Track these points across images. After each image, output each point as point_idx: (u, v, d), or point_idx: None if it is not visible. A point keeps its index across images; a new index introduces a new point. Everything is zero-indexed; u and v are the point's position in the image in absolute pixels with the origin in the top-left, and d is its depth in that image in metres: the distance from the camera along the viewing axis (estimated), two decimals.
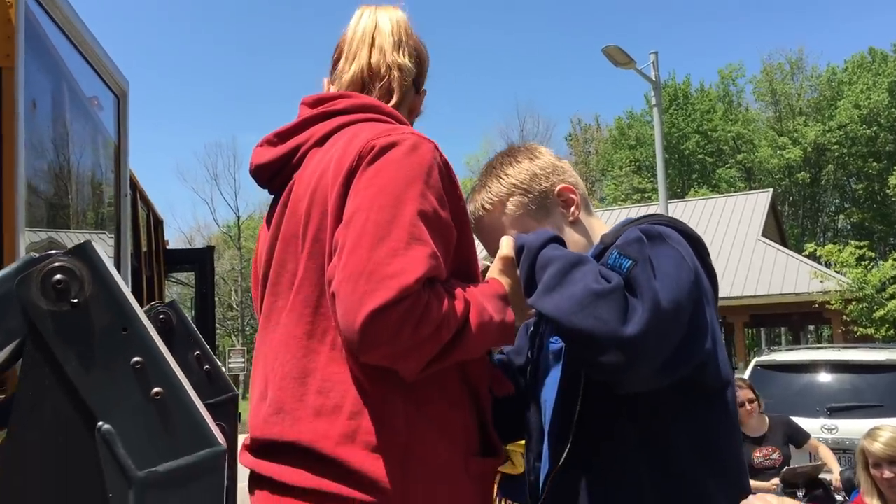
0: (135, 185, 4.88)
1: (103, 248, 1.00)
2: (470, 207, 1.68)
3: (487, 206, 1.68)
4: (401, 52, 1.61)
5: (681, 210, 24.63)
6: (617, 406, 1.46)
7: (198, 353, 1.58)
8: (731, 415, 1.56)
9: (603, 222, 1.75)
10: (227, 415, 1.56)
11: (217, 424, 1.04)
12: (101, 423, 0.95)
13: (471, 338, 1.35)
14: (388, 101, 1.59)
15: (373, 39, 1.61)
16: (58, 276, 0.94)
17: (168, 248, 6.92)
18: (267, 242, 1.56)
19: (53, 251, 0.97)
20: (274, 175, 1.58)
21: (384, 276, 1.24)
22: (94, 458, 0.94)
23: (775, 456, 5.15)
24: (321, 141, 1.52)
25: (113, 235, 3.72)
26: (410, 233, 1.30)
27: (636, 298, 1.32)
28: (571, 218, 1.67)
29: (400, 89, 1.60)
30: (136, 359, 0.96)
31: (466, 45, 72.53)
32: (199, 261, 7.09)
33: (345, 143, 1.45)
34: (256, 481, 1.43)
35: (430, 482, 1.36)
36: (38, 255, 0.99)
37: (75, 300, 0.94)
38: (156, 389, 0.96)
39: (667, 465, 1.45)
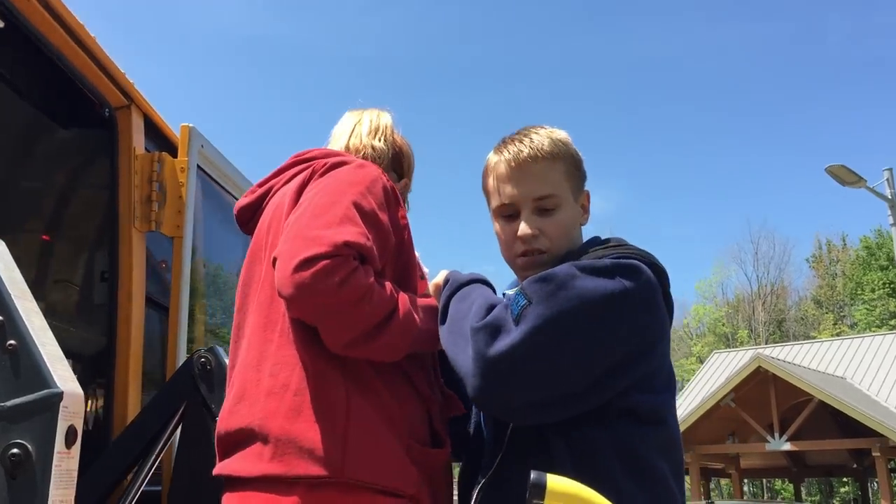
0: None
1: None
2: (520, 146, 1.67)
3: (551, 151, 1.66)
4: (376, 138, 1.88)
5: None
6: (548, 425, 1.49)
7: None
8: (665, 441, 1.53)
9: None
10: None
11: None
12: None
13: (397, 326, 1.48)
14: None
15: (353, 129, 1.89)
16: None
17: None
18: (241, 278, 1.79)
19: None
20: (251, 217, 1.84)
21: (317, 236, 1.42)
22: None
23: None
24: (289, 180, 1.76)
25: None
26: (345, 214, 1.49)
27: (514, 328, 1.40)
28: (582, 221, 1.75)
29: (374, 164, 1.83)
30: None
31: (693, 166, 71.56)
32: None
33: (305, 172, 1.69)
34: (223, 485, 1.55)
35: (370, 460, 1.44)
36: None
37: None
38: (10, 342, 1.20)
39: (594, 473, 1.44)
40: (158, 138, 3.09)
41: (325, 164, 1.65)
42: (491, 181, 1.72)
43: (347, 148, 1.84)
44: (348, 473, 1.42)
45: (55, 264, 3.91)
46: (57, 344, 1.26)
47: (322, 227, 1.44)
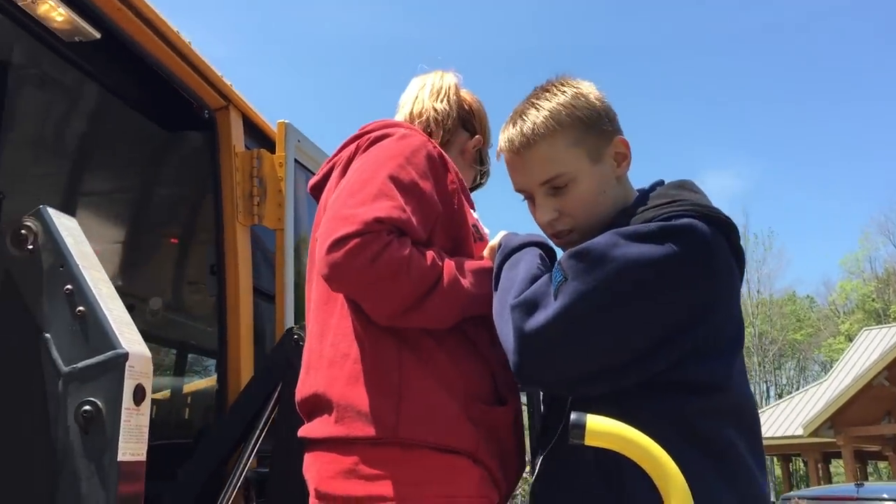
0: None
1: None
2: (513, 132, 1.58)
3: (544, 131, 1.53)
4: (438, 100, 1.89)
5: None
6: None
7: None
8: (729, 407, 1.44)
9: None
10: None
11: None
12: (44, 333, 1.31)
13: (441, 295, 1.50)
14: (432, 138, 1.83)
15: (416, 95, 1.92)
16: (21, 231, 1.35)
17: None
18: (309, 254, 1.86)
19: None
20: (320, 195, 1.91)
21: (349, 215, 1.46)
22: (40, 360, 1.30)
23: None
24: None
25: None
26: (380, 189, 1.51)
27: (551, 304, 1.36)
28: (619, 172, 1.59)
29: (437, 125, 1.87)
30: (67, 287, 1.31)
31: (833, 135, 67.26)
32: None
33: (351, 147, 1.74)
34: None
35: (424, 420, 1.49)
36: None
37: (31, 247, 1.34)
38: (79, 308, 1.30)
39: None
40: (258, 136, 3.24)
41: (369, 138, 1.67)
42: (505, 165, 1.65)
43: (411, 114, 1.86)
44: (402, 433, 1.46)
45: (179, 263, 4.18)
46: (125, 310, 1.35)
47: (355, 205, 1.47)
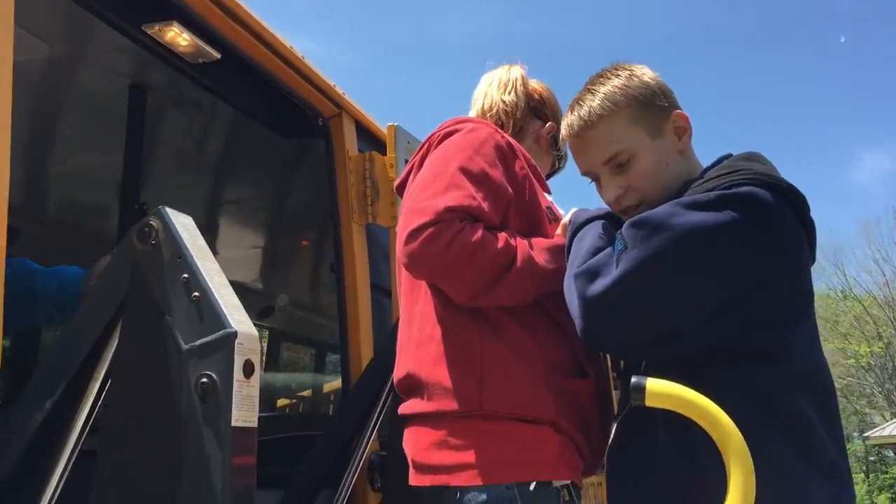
0: None
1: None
2: (572, 118, 1.70)
3: (601, 112, 1.64)
4: (506, 92, 2.01)
5: None
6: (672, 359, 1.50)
7: None
8: (796, 376, 1.46)
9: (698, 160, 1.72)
10: None
11: None
12: (166, 316, 1.50)
13: (516, 273, 1.61)
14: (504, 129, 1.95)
15: (486, 91, 2.05)
16: (145, 228, 1.55)
17: None
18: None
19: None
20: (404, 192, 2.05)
21: (423, 207, 1.60)
22: (164, 339, 1.49)
23: None
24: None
25: None
26: (450, 181, 1.64)
27: (613, 271, 1.44)
28: (681, 146, 1.67)
29: (507, 116, 1.99)
30: (184, 276, 1.50)
31: None
32: None
33: (425, 146, 1.87)
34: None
35: (505, 393, 1.60)
36: None
37: (153, 242, 1.53)
38: (195, 294, 1.48)
39: None
40: (370, 139, 3.43)
41: (440, 135, 1.78)
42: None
43: (482, 109, 1.97)
44: (486, 406, 1.57)
45: (310, 266, 4.45)
46: (235, 295, 1.52)
47: (428, 198, 1.60)
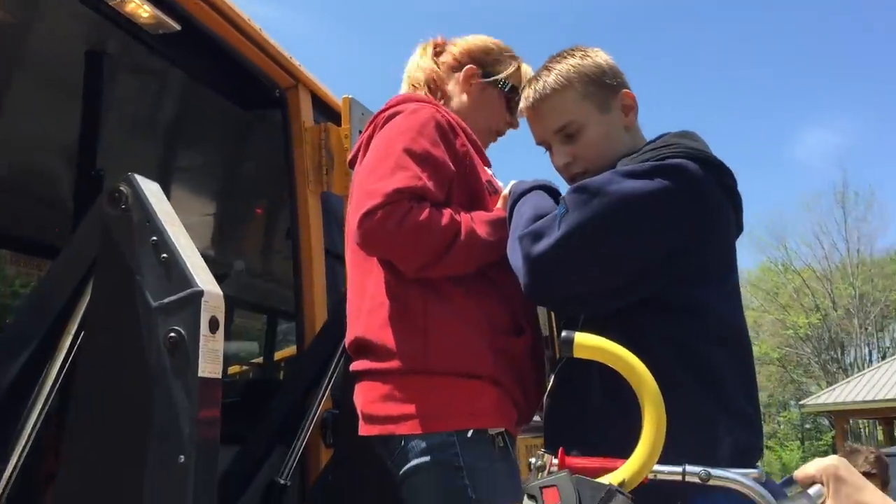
0: None
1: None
2: (529, 91, 1.83)
3: (555, 86, 1.78)
4: (426, 59, 2.13)
5: None
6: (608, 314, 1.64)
7: None
8: (719, 331, 1.62)
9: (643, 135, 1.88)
10: None
11: None
12: (136, 276, 1.61)
13: (460, 246, 1.75)
14: (436, 97, 2.08)
15: (414, 64, 2.16)
16: (116, 193, 1.65)
17: None
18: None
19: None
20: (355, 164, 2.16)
21: (372, 190, 1.73)
22: (134, 297, 1.60)
23: None
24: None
25: None
26: (396, 163, 1.77)
27: (555, 233, 1.58)
28: (627, 122, 1.82)
29: (432, 81, 2.11)
30: (153, 238, 1.60)
31: None
32: None
33: (370, 127, 1.99)
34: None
35: (448, 352, 1.75)
36: None
37: (124, 206, 1.64)
38: (163, 255, 1.59)
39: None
40: (326, 110, 3.52)
41: (384, 117, 1.90)
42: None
43: (410, 79, 2.10)
44: (430, 364, 1.73)
45: (265, 233, 4.54)
46: (200, 257, 1.63)
47: (376, 180, 1.73)
